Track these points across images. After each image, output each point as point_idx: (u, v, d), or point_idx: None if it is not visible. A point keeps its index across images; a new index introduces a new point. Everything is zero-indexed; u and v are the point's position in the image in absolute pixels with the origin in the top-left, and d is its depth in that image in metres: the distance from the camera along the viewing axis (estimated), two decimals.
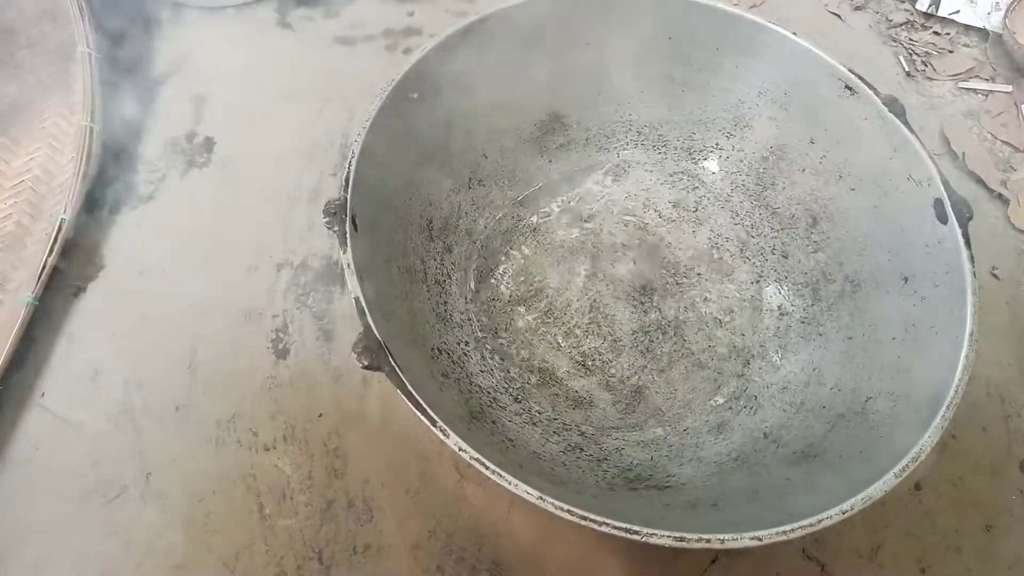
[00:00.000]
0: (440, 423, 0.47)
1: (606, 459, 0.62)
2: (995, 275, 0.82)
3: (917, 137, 0.63)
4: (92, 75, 0.84)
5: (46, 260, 0.72)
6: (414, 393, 0.48)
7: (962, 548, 0.67)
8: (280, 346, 0.72)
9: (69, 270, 0.76)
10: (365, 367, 0.49)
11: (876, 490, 0.48)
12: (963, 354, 0.54)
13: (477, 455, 0.46)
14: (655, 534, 0.45)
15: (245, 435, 0.68)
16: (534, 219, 0.77)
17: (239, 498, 0.65)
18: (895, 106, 0.65)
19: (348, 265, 0.52)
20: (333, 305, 0.74)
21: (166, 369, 0.71)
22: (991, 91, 0.98)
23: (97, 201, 0.80)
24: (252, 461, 0.66)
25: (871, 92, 0.66)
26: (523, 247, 0.76)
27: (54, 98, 0.85)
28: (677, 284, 0.74)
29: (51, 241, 0.72)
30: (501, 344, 0.69)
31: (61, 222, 0.73)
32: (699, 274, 0.75)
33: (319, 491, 0.65)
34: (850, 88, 0.67)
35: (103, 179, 0.81)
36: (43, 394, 0.69)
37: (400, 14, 0.99)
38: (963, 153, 0.90)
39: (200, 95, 0.89)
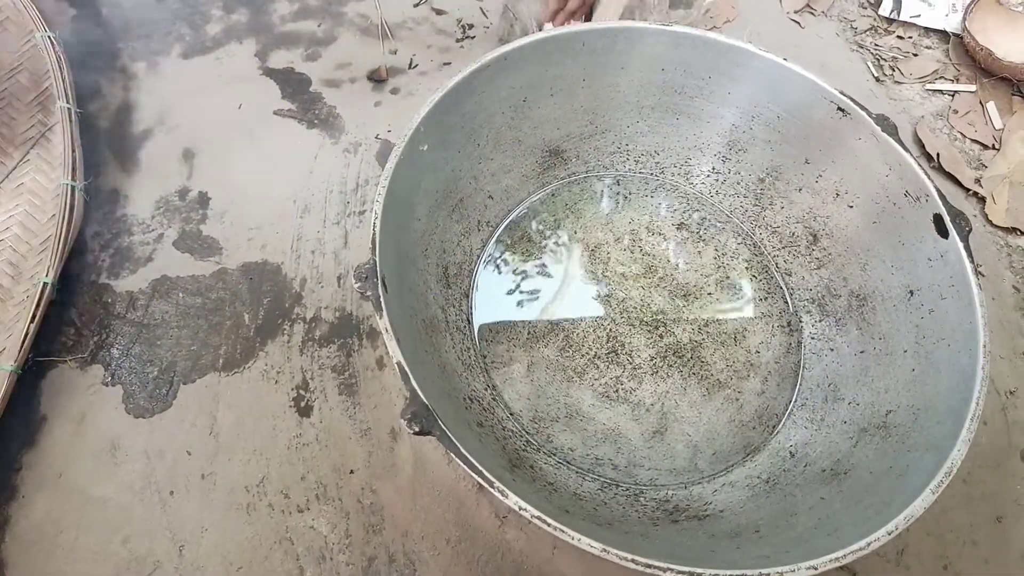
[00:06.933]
0: (497, 484, 0.48)
1: (642, 492, 0.64)
2: (980, 272, 0.86)
3: (911, 155, 0.66)
4: (72, 130, 0.82)
5: (28, 327, 0.69)
6: (470, 457, 0.48)
7: (977, 541, 0.70)
8: (302, 404, 0.71)
9: (76, 342, 0.74)
10: (416, 433, 0.49)
11: (916, 508, 0.51)
12: (979, 366, 0.56)
13: (538, 513, 0.47)
14: (719, 575, 0.46)
15: (276, 498, 0.67)
16: (541, 254, 0.78)
17: (278, 563, 0.64)
18: (887, 125, 0.68)
19: (386, 330, 0.52)
20: (352, 358, 0.73)
21: (187, 437, 0.69)
22: (957, 91, 1.02)
23: (94, 265, 0.78)
24: (287, 524, 0.66)
25: (863, 113, 0.68)
26: (534, 283, 0.76)
27: (33, 153, 0.82)
28: (688, 306, 0.76)
29: (33, 306, 0.70)
30: (526, 383, 0.70)
31: (44, 286, 0.71)
32: (709, 294, 0.76)
33: (358, 549, 0.65)
34: (842, 110, 0.69)
35: (98, 242, 0.79)
36: (60, 475, 0.67)
37: (383, 52, 0.98)
38: (938, 154, 0.94)
39: (188, 149, 0.86)
